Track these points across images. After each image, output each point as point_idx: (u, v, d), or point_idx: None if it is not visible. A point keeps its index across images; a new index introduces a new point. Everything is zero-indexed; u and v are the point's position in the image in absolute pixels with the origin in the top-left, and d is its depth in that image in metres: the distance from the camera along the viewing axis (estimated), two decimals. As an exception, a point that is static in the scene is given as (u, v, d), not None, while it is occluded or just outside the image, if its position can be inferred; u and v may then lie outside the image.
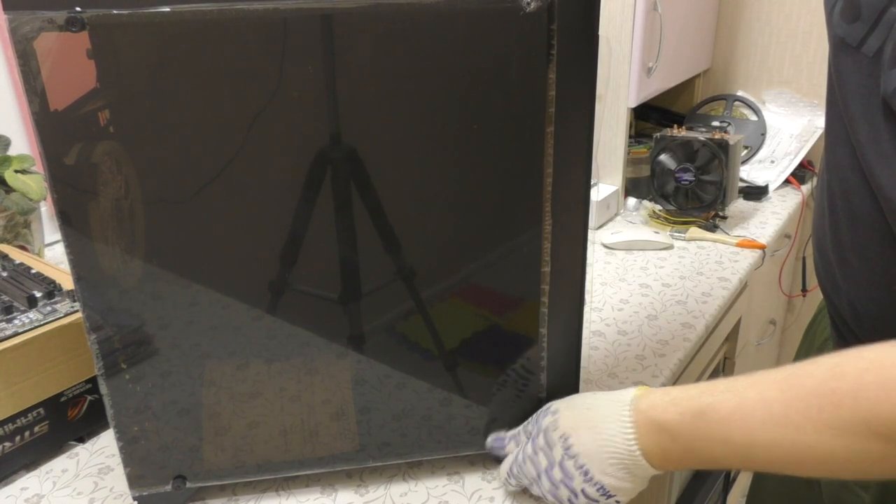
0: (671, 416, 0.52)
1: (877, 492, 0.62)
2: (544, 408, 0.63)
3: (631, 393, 0.56)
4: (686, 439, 0.51)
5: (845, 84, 0.53)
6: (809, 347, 0.77)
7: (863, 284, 0.58)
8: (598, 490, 0.56)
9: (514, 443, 0.65)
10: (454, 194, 0.58)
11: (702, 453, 0.51)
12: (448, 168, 0.57)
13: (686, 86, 1.62)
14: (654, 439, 0.53)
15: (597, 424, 0.56)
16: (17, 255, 0.85)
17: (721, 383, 0.51)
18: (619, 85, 1.27)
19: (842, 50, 0.53)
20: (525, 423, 0.65)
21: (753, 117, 1.56)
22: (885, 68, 0.48)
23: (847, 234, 0.58)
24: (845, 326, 0.63)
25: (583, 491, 0.56)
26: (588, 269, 0.64)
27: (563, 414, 0.59)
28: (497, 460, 0.67)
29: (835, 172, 0.58)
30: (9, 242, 1.01)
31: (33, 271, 0.80)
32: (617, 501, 0.57)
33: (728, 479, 1.36)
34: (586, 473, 0.56)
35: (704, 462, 0.52)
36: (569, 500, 0.57)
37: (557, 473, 0.57)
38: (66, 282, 0.77)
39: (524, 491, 0.65)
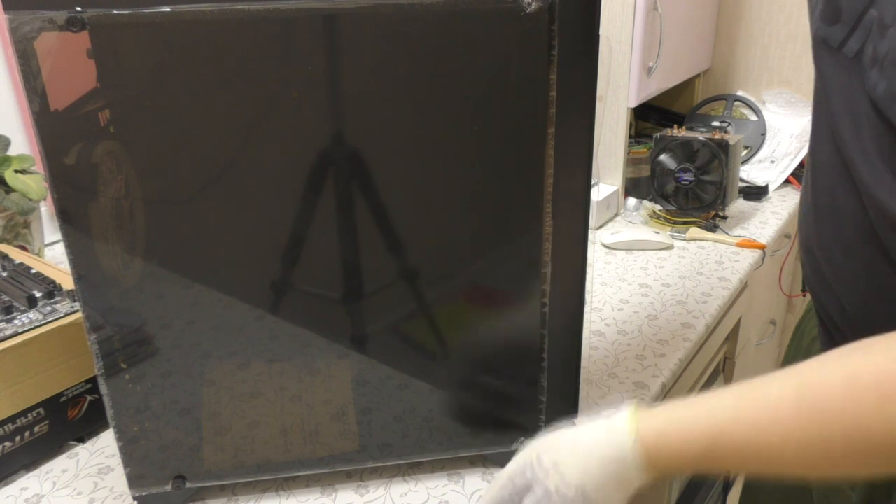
0: (680, 453, 0.48)
1: (864, 490, 0.62)
2: (536, 460, 0.51)
3: (627, 435, 0.49)
4: (694, 468, 0.50)
5: (828, 82, 0.53)
6: (798, 348, 0.77)
7: (849, 281, 0.58)
8: None
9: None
10: (455, 195, 0.58)
11: (708, 472, 0.50)
12: (449, 169, 0.57)
13: (686, 86, 1.62)
14: (659, 470, 0.49)
15: (605, 482, 0.49)
16: (17, 255, 0.85)
17: (727, 404, 0.47)
18: (619, 85, 1.27)
19: (823, 49, 0.53)
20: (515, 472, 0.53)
21: (753, 117, 1.56)
22: (867, 68, 0.48)
23: (831, 231, 0.58)
24: (833, 325, 0.63)
25: None
26: (588, 269, 0.64)
27: (566, 470, 0.50)
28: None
29: (819, 169, 0.58)
30: (9, 242, 1.01)
31: (33, 271, 0.80)
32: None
33: (728, 480, 1.36)
34: None
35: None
36: None
37: None
38: (66, 282, 0.77)
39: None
